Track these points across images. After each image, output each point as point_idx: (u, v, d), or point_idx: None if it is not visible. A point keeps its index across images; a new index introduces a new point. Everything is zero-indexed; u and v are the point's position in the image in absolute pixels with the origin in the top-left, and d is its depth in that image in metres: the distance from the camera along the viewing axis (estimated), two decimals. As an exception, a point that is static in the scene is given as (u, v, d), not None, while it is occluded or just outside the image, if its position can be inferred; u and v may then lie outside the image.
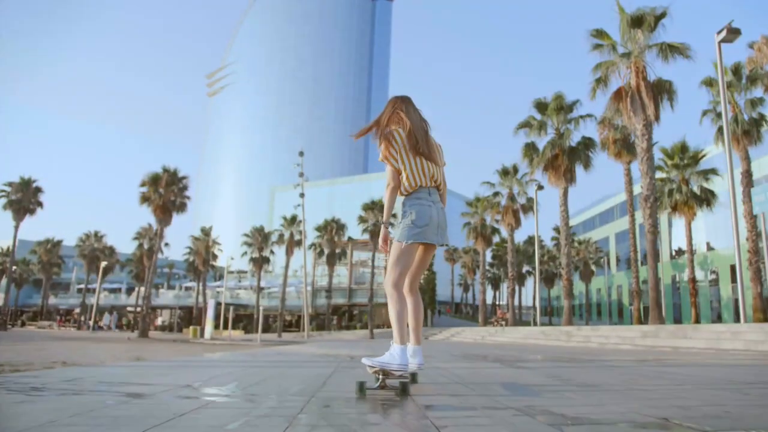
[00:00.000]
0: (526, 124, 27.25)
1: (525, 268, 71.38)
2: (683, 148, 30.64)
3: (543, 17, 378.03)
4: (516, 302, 77.53)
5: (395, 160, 3.14)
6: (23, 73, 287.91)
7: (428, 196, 3.11)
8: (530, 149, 27.02)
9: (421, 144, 3.13)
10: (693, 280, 30.05)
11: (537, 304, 30.27)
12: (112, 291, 76.48)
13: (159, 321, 70.67)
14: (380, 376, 3.00)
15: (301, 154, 42.70)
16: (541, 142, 27.15)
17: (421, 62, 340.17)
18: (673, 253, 50.42)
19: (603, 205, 65.87)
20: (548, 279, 71.84)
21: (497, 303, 77.12)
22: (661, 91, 18.47)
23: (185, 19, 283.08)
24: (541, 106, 26.93)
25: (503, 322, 35.23)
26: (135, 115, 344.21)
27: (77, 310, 64.23)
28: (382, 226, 3.20)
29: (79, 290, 67.09)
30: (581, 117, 26.58)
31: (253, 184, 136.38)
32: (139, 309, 65.23)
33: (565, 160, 25.31)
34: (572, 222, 70.80)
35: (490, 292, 74.08)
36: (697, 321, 30.29)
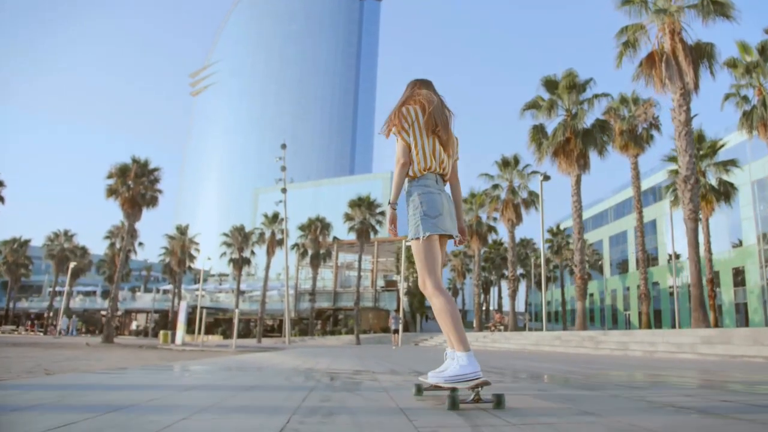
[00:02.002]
0: (533, 105, 24.21)
1: (517, 271, 68.75)
2: (700, 136, 28.08)
3: (539, 11, 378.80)
4: (508, 305, 75.09)
5: (407, 134, 2.89)
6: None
7: (436, 183, 2.90)
8: (538, 132, 23.93)
9: (440, 127, 2.91)
10: (711, 281, 27.47)
11: (543, 308, 27.46)
12: (87, 294, 73.18)
13: (134, 325, 67.28)
14: (475, 390, 2.60)
15: (284, 146, 39.87)
16: (550, 125, 24.27)
17: (410, 61, 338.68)
18: (668, 256, 48.63)
19: (596, 208, 63.81)
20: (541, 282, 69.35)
21: (489, 308, 74.42)
22: (701, 55, 15.76)
23: (169, 18, 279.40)
24: (550, 84, 23.90)
25: (501, 327, 32.47)
26: (114, 114, 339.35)
27: (46, 315, 60.64)
28: (389, 206, 2.85)
29: (56, 293, 63.44)
30: (596, 96, 23.57)
31: (236, 186, 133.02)
32: (118, 313, 61.97)
33: (579, 143, 22.41)
34: (564, 224, 68.84)
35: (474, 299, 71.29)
36: (716, 326, 27.75)
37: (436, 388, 2.96)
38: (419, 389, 3.07)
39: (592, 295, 65.06)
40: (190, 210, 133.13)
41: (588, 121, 23.58)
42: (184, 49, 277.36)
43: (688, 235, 15.25)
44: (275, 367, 6.71)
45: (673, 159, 30.05)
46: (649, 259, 50.04)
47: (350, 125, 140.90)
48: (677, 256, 49.96)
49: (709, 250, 28.00)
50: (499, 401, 2.58)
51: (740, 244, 38.62)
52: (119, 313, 63.08)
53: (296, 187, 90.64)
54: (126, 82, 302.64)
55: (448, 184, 3.06)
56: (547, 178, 24.22)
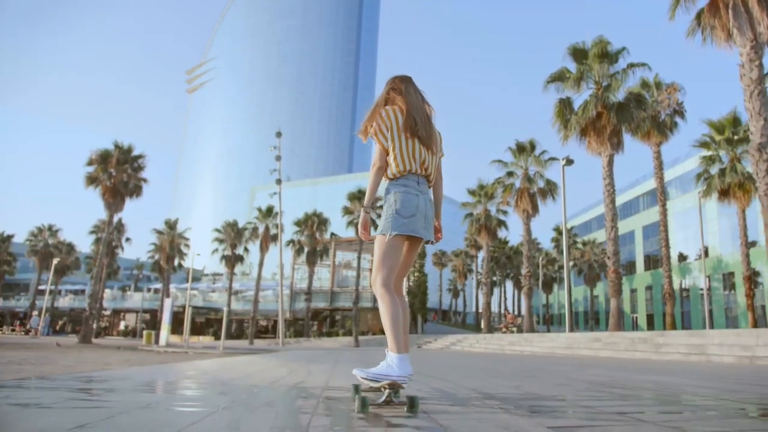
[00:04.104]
0: (558, 77, 21.43)
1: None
2: (735, 120, 25.60)
3: (540, 10, 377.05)
4: (511, 305, 72.64)
5: (385, 138, 2.74)
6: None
7: (416, 185, 2.76)
8: (564, 107, 21.15)
9: (420, 127, 2.77)
10: (749, 278, 24.98)
11: (566, 308, 24.85)
12: (76, 293, 70.50)
13: (122, 325, 64.59)
14: (386, 390, 2.50)
15: (279, 134, 37.43)
16: (577, 100, 21.60)
17: (410, 60, 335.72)
18: (677, 256, 46.90)
19: (600, 208, 61.60)
20: (546, 284, 66.75)
21: (491, 309, 71.98)
22: (777, 0, 13.21)
23: (164, 13, 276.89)
24: (578, 54, 21.06)
25: (514, 329, 29.86)
26: (109, 112, 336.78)
27: (35, 313, 57.98)
28: (362, 210, 2.77)
29: (42, 292, 60.73)
30: (630, 66, 20.87)
31: (233, 184, 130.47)
32: (107, 312, 59.40)
33: (612, 118, 19.69)
34: (570, 224, 66.54)
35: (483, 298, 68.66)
36: (755, 327, 25.27)
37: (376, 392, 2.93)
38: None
39: (597, 297, 62.92)
40: (186, 209, 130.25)
41: (620, 95, 20.90)
42: (180, 46, 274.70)
43: (764, 217, 12.65)
44: (246, 381, 4.11)
45: (704, 145, 27.58)
46: (658, 260, 47.73)
47: (349, 123, 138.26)
48: (683, 258, 47.75)
49: (746, 245, 25.49)
50: (412, 404, 2.38)
51: (751, 244, 37.09)
52: (107, 312, 60.41)
53: (294, 185, 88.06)
54: (120, 80, 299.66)
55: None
56: (570, 162, 21.60)
